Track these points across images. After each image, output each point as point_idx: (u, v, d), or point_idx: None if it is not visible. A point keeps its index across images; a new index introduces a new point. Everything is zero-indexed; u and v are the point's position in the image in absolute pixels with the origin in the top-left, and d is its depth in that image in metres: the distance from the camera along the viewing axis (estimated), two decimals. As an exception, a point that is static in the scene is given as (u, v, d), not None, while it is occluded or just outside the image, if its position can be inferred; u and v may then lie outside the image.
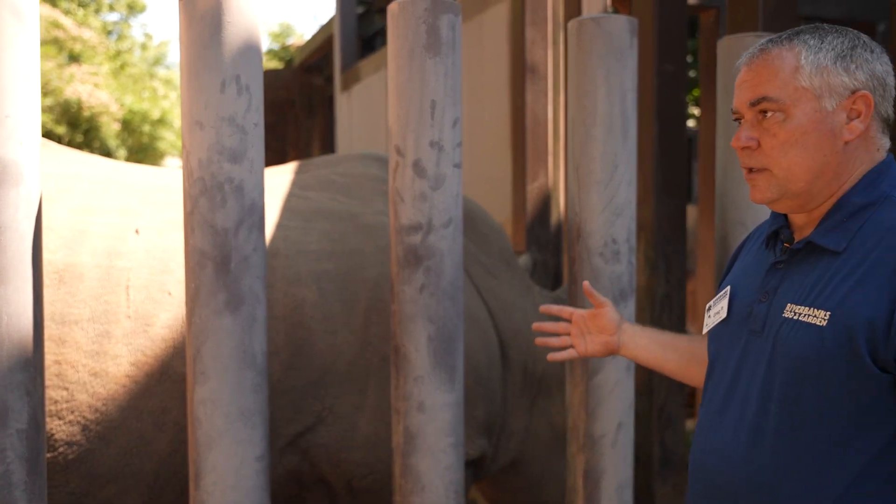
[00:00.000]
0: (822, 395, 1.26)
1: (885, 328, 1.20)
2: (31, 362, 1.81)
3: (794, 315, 1.30)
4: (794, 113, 1.32)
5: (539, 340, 1.93)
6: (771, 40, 1.38)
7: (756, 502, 1.32)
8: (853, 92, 1.31)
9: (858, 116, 1.32)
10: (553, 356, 1.89)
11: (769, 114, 1.34)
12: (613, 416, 2.39)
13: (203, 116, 1.93)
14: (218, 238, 1.95)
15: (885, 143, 1.37)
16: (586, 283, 1.85)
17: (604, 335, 1.83)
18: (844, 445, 1.25)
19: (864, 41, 1.35)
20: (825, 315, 1.25)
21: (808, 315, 1.28)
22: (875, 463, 1.24)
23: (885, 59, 1.37)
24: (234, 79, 1.94)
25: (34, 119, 1.81)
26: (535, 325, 1.92)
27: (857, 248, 1.28)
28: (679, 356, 1.75)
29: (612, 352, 1.84)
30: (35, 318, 1.82)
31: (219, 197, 1.94)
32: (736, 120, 1.42)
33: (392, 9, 2.16)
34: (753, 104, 1.36)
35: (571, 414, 2.45)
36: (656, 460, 3.59)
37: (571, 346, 1.87)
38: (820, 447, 1.26)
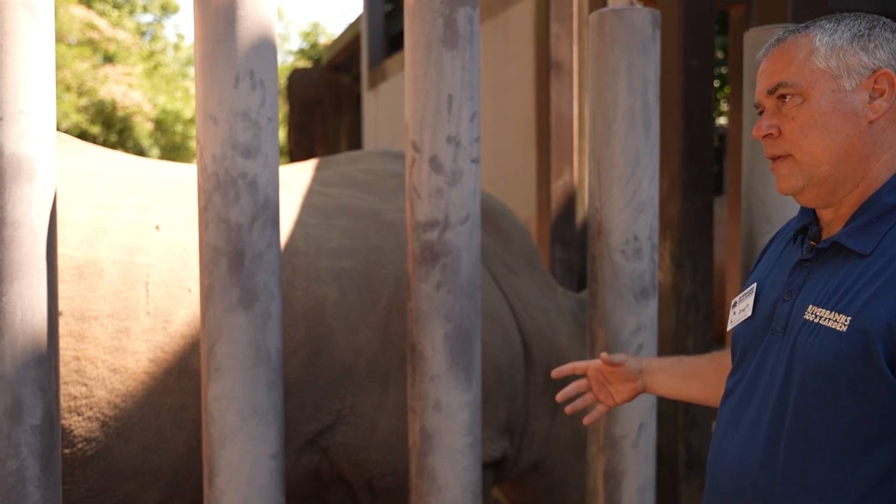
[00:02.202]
0: (837, 402, 1.21)
1: None
2: (46, 358, 1.81)
3: (815, 318, 1.26)
4: (812, 94, 1.29)
5: (568, 409, 1.88)
6: (788, 30, 1.36)
7: None
8: (874, 71, 1.28)
9: (882, 95, 1.28)
10: (588, 419, 1.87)
11: (788, 99, 1.32)
12: (635, 417, 2.34)
13: (217, 111, 1.92)
14: (232, 234, 1.94)
15: None
16: (603, 355, 1.78)
17: (627, 383, 1.80)
18: (857, 457, 1.20)
19: (884, 22, 1.32)
20: (846, 320, 1.20)
21: (829, 319, 1.23)
22: (888, 478, 1.18)
23: None
24: (247, 73, 1.92)
25: (49, 114, 1.80)
26: (559, 396, 1.87)
27: (883, 252, 1.23)
28: (703, 383, 1.70)
29: (640, 393, 1.82)
30: (49, 313, 1.82)
31: (232, 192, 1.93)
32: (759, 113, 1.39)
33: (409, 2, 2.13)
34: (771, 92, 1.34)
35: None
36: (681, 461, 3.53)
37: (599, 402, 1.85)
38: (831, 457, 1.21)
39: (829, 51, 1.29)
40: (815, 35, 1.31)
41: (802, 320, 1.28)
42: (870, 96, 1.28)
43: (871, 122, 1.28)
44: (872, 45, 1.28)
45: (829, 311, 1.24)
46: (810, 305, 1.28)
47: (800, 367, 1.26)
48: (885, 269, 1.21)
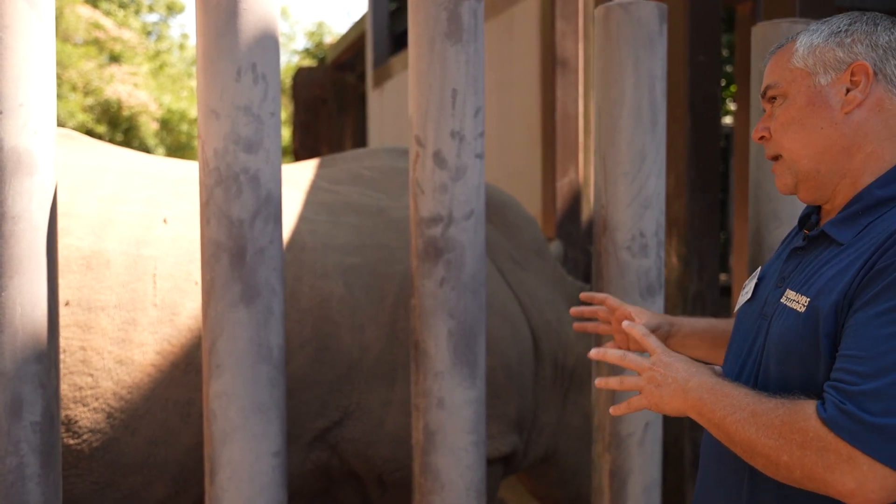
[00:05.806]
0: (793, 381, 1.25)
1: (845, 310, 1.19)
2: (46, 354, 1.79)
3: (787, 301, 1.31)
4: (790, 92, 1.35)
5: (577, 326, 1.88)
6: (786, 37, 1.42)
7: (746, 486, 1.33)
8: (850, 64, 1.31)
9: (857, 86, 1.31)
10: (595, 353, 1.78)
11: (776, 100, 1.38)
12: (641, 415, 2.32)
13: (218, 105, 1.90)
14: (233, 229, 1.92)
15: None
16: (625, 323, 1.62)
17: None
18: None
19: (868, 18, 1.35)
20: (805, 301, 1.25)
21: (794, 301, 1.28)
22: None
23: None
24: (250, 67, 1.90)
25: (49, 108, 1.79)
26: (574, 310, 1.86)
27: (858, 242, 1.26)
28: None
29: None
30: (49, 308, 1.80)
31: (234, 187, 1.91)
32: None
33: (413, -4, 2.11)
34: (762, 96, 1.41)
35: (597, 412, 2.39)
36: (687, 461, 3.50)
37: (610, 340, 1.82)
38: None
39: (805, 50, 1.34)
40: (799, 38, 1.37)
41: (779, 304, 1.33)
42: (847, 89, 1.31)
43: (846, 114, 1.31)
44: (850, 41, 1.32)
45: (795, 294, 1.28)
46: (787, 290, 1.32)
47: (768, 347, 1.31)
48: (851, 255, 1.24)
